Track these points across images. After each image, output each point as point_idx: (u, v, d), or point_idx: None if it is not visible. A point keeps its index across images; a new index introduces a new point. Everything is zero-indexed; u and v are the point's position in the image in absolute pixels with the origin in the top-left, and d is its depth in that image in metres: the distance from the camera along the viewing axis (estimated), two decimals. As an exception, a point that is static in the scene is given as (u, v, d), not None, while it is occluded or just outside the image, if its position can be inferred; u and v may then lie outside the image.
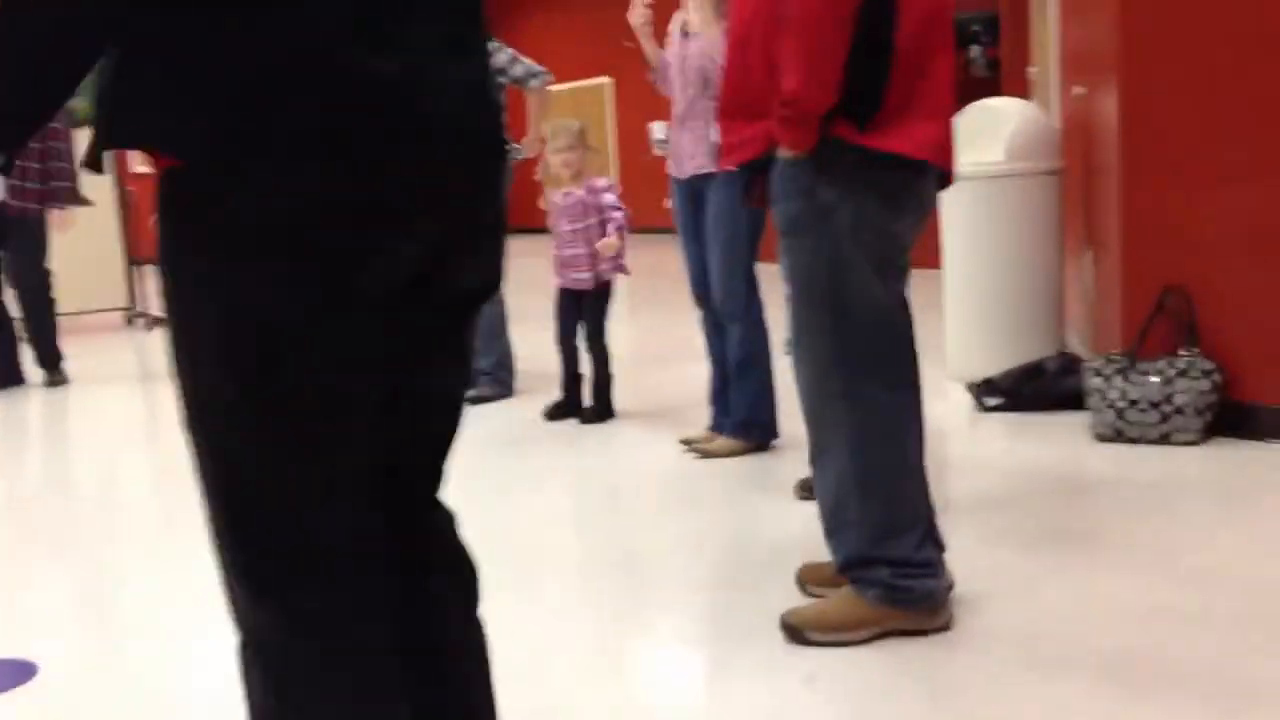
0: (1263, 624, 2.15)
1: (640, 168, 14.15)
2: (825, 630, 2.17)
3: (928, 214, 2.18)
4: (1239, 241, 3.38)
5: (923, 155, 2.05)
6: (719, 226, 3.50)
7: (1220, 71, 3.35)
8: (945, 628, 2.18)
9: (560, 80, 15.94)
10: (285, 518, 1.11)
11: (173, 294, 1.09)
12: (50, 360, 5.92)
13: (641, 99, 13.69)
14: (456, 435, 1.33)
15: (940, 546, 2.22)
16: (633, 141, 14.31)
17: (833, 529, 2.19)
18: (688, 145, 3.56)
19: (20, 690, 2.24)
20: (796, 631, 2.18)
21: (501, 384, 4.84)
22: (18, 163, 5.37)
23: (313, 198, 1.03)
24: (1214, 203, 3.40)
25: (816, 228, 2.07)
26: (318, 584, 1.12)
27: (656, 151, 3.72)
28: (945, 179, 2.18)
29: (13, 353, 5.89)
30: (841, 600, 2.20)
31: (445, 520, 1.35)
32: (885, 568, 2.13)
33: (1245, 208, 3.35)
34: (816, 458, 2.21)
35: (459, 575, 1.35)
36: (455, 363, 1.30)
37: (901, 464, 2.15)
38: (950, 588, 2.23)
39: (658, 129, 4.18)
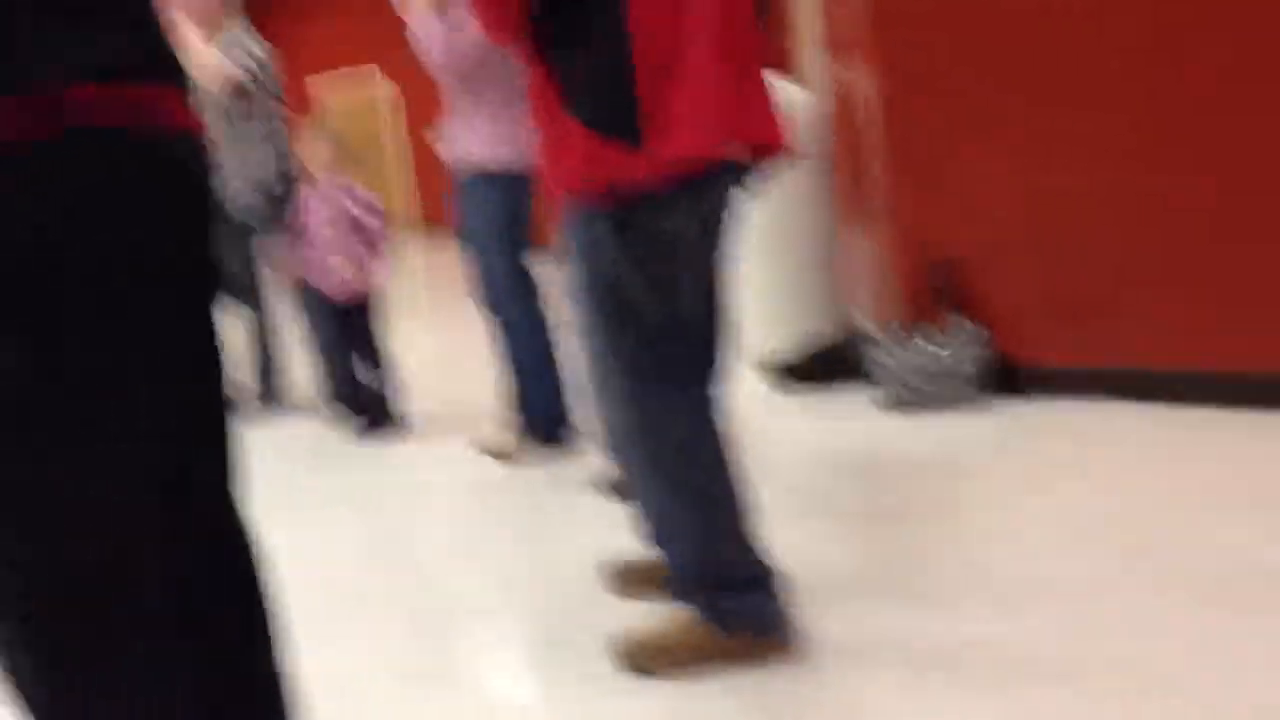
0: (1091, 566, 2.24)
1: (432, 160, 13.89)
2: (654, 658, 2.05)
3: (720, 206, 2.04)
4: (1003, 206, 3.53)
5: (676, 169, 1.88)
6: (474, 230, 3.41)
7: (972, 37, 3.49)
8: (786, 649, 2.06)
9: (336, 68, 15.27)
10: None
11: None
12: None
13: (422, 84, 13.45)
14: None
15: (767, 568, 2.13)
16: (420, 128, 14.04)
17: (660, 542, 2.08)
18: (451, 132, 3.43)
19: None
20: (625, 658, 2.07)
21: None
22: None
23: None
24: (976, 170, 3.55)
25: (588, 229, 1.97)
26: None
27: (437, 148, 3.57)
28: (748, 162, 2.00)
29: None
30: (671, 624, 2.08)
31: None
32: (712, 588, 2.02)
33: (1002, 173, 3.50)
34: (626, 470, 2.10)
35: None
36: None
37: (712, 473, 2.04)
38: (782, 600, 2.11)
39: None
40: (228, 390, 1.01)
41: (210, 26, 4.42)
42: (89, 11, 0.86)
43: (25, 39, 0.82)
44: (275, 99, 4.48)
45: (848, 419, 3.62)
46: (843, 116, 4.56)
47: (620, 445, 2.07)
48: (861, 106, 4.06)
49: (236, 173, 4.45)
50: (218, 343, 1.00)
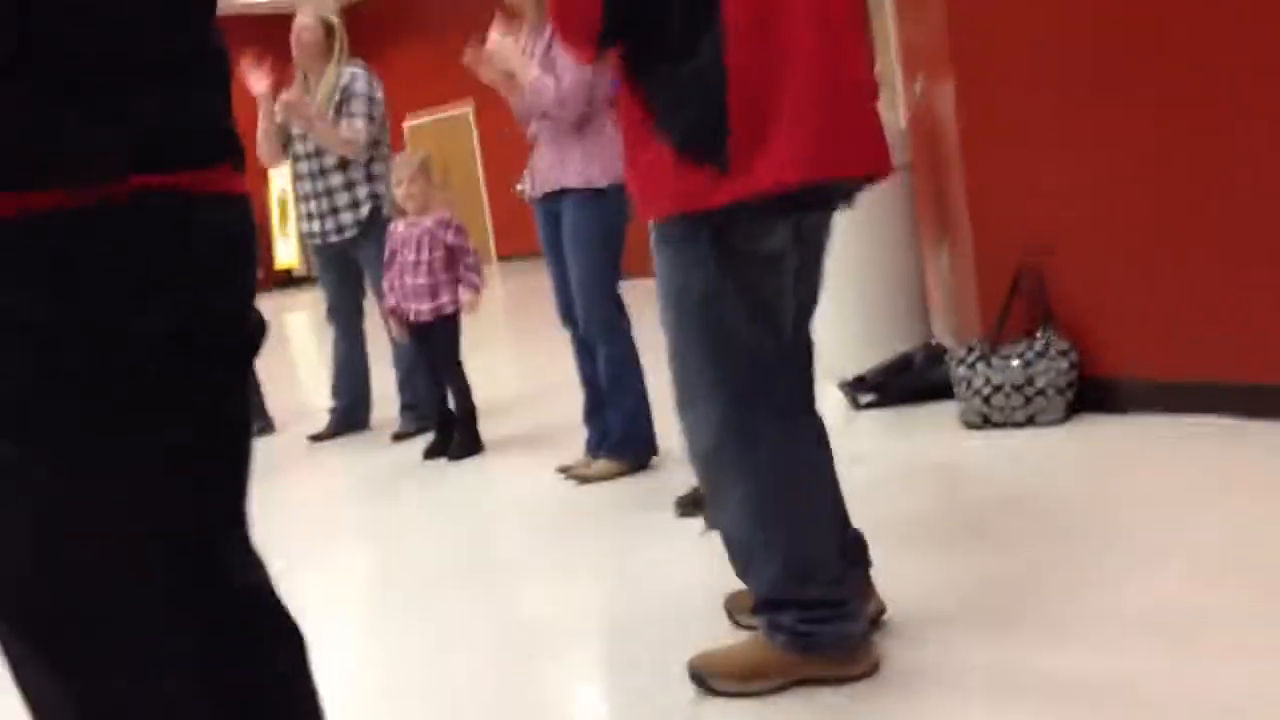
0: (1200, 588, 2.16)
1: (508, 193, 14.06)
2: (732, 679, 2.02)
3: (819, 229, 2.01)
4: (1085, 218, 3.45)
5: (775, 186, 1.83)
6: (576, 245, 3.44)
7: (1051, 51, 3.42)
8: (868, 674, 1.99)
9: (421, 107, 15.70)
10: None
11: None
12: None
13: (504, 123, 13.65)
14: None
15: (859, 567, 2.11)
16: (499, 166, 14.23)
17: (743, 571, 2.05)
18: (542, 166, 3.50)
19: None
20: (702, 679, 2.03)
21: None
22: None
23: None
24: (1057, 182, 3.47)
25: (682, 247, 1.94)
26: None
27: (525, 198, 3.66)
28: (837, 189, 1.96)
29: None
30: (750, 646, 2.05)
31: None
32: (794, 611, 1.98)
33: (1086, 185, 3.42)
34: (712, 494, 2.07)
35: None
36: None
37: (805, 498, 2.00)
38: (873, 622, 2.10)
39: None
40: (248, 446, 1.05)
41: (318, 63, 4.53)
42: (139, 112, 0.91)
43: (74, 139, 0.87)
44: (383, 133, 4.58)
45: (932, 437, 3.56)
46: (922, 130, 4.51)
47: (707, 467, 2.04)
48: (940, 119, 4.01)
49: (341, 202, 4.54)
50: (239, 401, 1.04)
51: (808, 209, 1.92)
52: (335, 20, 4.55)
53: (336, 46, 4.52)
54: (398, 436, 4.64)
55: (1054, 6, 3.40)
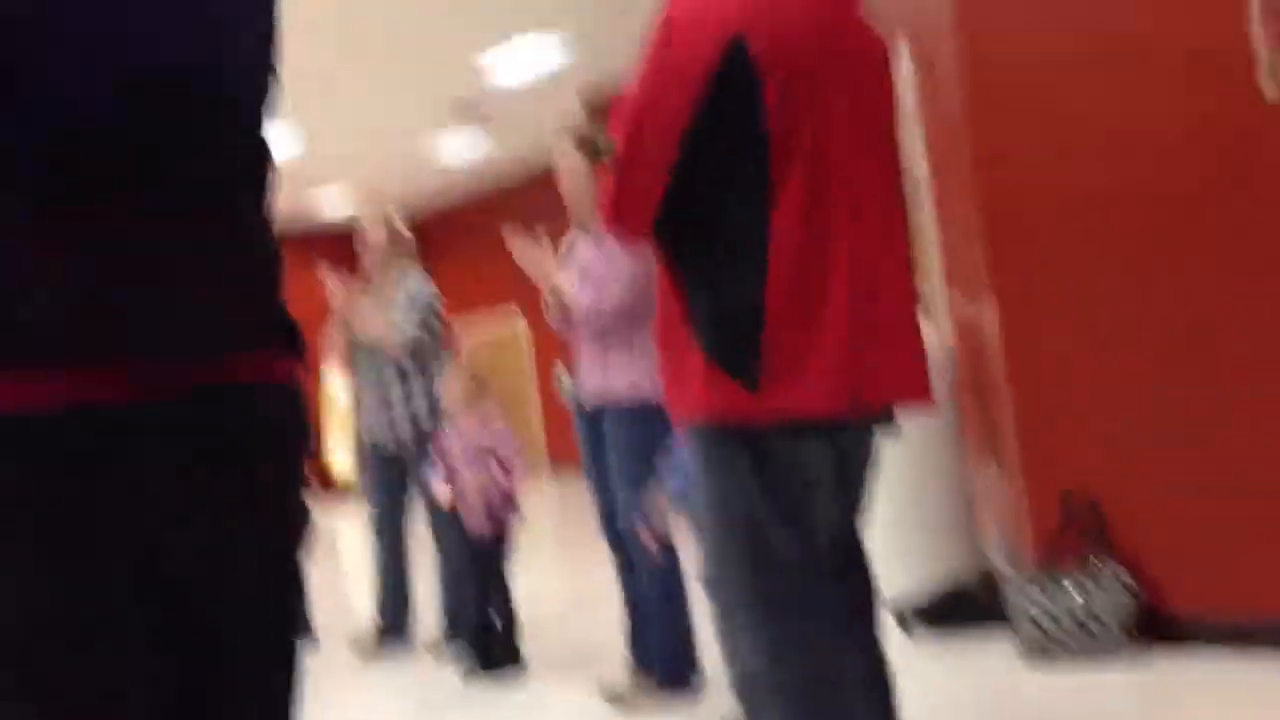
0: None
1: (560, 403, 14.23)
2: None
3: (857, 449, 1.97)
4: (1139, 444, 3.40)
5: (813, 413, 1.80)
6: (625, 462, 3.41)
7: (1097, 275, 3.46)
8: None
9: (471, 310, 15.96)
10: None
11: None
12: None
13: (554, 334, 13.98)
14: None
15: None
16: (551, 377, 14.46)
17: None
18: (582, 370, 3.51)
19: None
20: None
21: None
22: None
23: None
24: (1108, 408, 3.45)
25: (718, 460, 1.90)
26: None
27: (563, 396, 3.70)
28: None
29: None
30: None
31: None
32: None
33: (1139, 410, 3.39)
34: (751, 716, 1.97)
35: None
36: None
37: (835, 716, 1.90)
38: None
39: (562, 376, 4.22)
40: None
41: (383, 264, 4.70)
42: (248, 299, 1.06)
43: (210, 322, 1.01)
44: (435, 342, 4.69)
45: (985, 667, 3.42)
46: (968, 351, 4.54)
47: (744, 686, 1.96)
48: (986, 340, 4.04)
49: (398, 412, 4.63)
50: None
51: (847, 426, 1.89)
52: (398, 222, 4.75)
53: (397, 246, 4.71)
54: (434, 646, 4.60)
55: (1091, 228, 3.45)
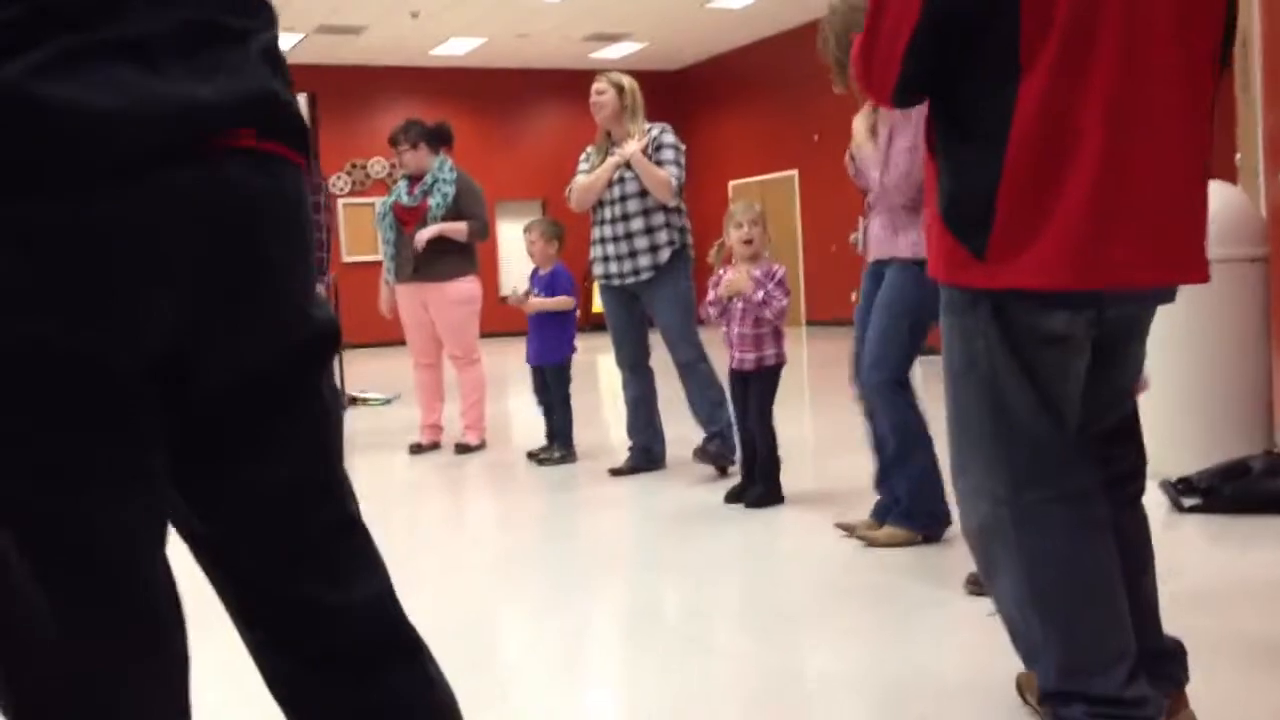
0: None
1: (823, 259, 14.09)
2: None
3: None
4: None
5: (1048, 284, 1.75)
6: (881, 309, 3.43)
7: None
8: None
9: (750, 174, 16.14)
10: None
11: None
12: None
13: (825, 191, 13.75)
14: (309, 534, 1.18)
15: (1172, 679, 1.95)
16: (817, 233, 14.30)
17: (1028, 655, 1.94)
18: (874, 231, 3.53)
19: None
20: None
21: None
22: None
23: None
24: None
25: (965, 314, 1.88)
26: None
27: (858, 250, 3.73)
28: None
29: None
30: None
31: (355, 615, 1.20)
32: (1082, 704, 1.83)
33: None
34: (984, 571, 1.99)
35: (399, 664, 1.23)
36: (273, 459, 1.13)
37: (1084, 587, 1.86)
38: None
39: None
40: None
41: (615, 123, 4.88)
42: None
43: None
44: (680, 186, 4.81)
45: (1264, 550, 3.24)
46: (1285, 223, 4.17)
47: (980, 544, 1.96)
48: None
49: (640, 245, 4.76)
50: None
51: (1096, 297, 1.81)
52: (626, 82, 4.88)
53: (628, 105, 4.82)
54: (701, 455, 4.76)
55: None
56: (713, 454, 4.74)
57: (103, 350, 0.97)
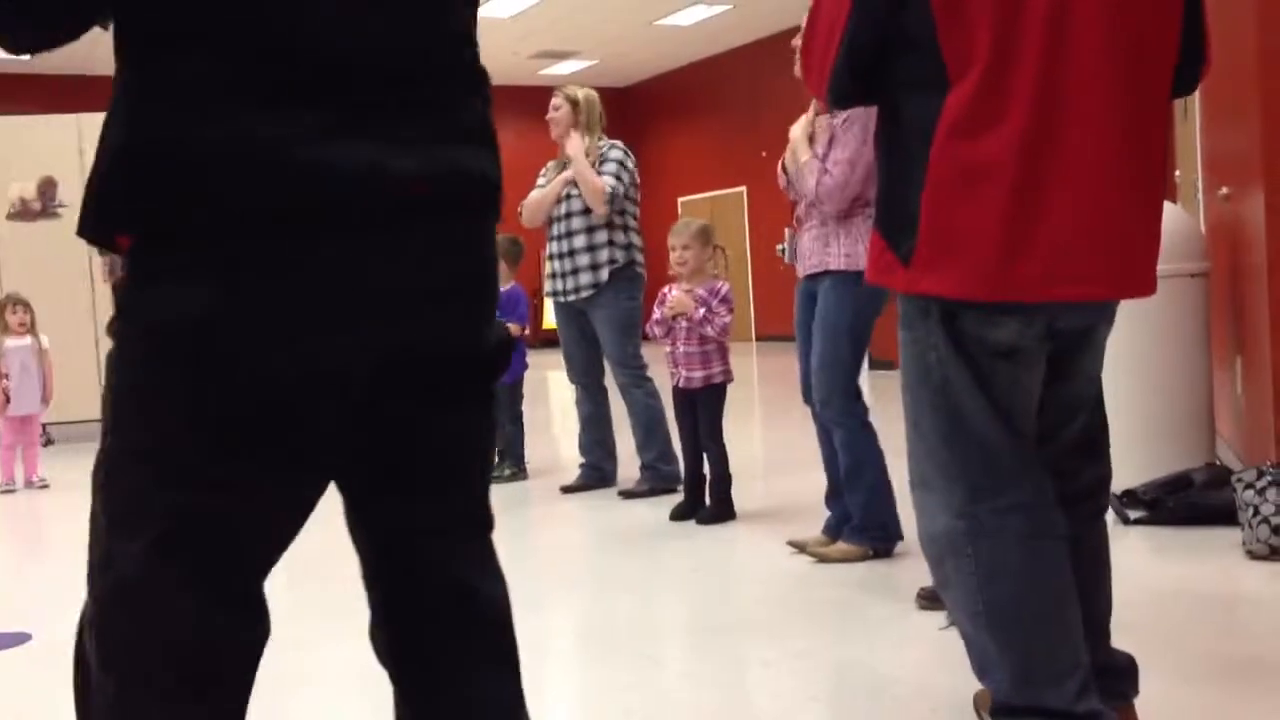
0: None
1: (772, 274, 14.17)
2: None
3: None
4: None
5: (971, 295, 1.79)
6: (823, 326, 3.43)
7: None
8: None
9: (700, 190, 16.16)
10: None
11: None
12: None
13: (773, 207, 13.82)
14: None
15: (1122, 695, 1.96)
16: (766, 248, 14.38)
17: (981, 668, 1.94)
18: (805, 243, 3.54)
19: (14, 650, 3.05)
20: None
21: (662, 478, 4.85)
22: None
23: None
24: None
25: (918, 325, 1.91)
26: None
27: (785, 260, 3.74)
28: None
29: None
30: None
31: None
32: (1034, 717, 1.83)
33: None
34: (940, 583, 1.99)
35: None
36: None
37: (1037, 600, 1.86)
38: None
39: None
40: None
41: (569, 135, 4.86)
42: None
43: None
44: (629, 203, 4.80)
45: (1209, 565, 3.29)
46: (1223, 238, 4.26)
47: (936, 554, 1.96)
48: (1246, 228, 3.77)
49: (582, 262, 4.76)
50: None
51: (1055, 316, 1.84)
52: (580, 95, 4.89)
53: (582, 119, 4.83)
54: (626, 494, 4.75)
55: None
56: (636, 492, 4.75)
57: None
